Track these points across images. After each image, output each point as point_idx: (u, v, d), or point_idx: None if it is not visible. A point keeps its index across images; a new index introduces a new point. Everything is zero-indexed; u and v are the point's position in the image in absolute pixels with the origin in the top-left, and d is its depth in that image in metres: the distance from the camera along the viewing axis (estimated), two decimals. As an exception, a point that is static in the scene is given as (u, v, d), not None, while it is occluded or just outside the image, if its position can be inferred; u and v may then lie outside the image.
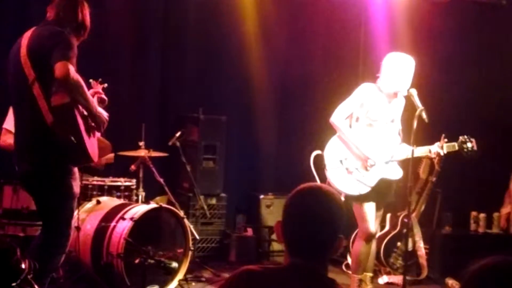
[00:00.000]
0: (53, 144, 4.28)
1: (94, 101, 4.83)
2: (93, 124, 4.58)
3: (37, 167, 4.37)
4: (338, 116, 5.66)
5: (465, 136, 5.77)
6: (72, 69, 4.15)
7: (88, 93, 4.44)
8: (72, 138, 4.27)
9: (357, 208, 5.66)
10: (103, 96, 5.01)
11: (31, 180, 4.50)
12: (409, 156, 5.51)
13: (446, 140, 5.70)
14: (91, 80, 5.09)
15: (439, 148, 5.68)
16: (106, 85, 5.12)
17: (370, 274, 5.85)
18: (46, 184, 4.42)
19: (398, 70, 5.60)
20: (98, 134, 4.78)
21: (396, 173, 5.71)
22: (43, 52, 4.24)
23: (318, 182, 5.58)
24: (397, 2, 8.44)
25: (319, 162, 5.76)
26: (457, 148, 5.73)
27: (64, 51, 4.19)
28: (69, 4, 4.54)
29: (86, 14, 4.61)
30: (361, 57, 8.91)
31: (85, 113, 4.47)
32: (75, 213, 6.09)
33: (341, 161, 5.64)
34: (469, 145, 5.74)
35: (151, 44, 8.23)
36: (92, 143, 4.55)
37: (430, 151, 5.69)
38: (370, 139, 5.65)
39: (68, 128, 4.28)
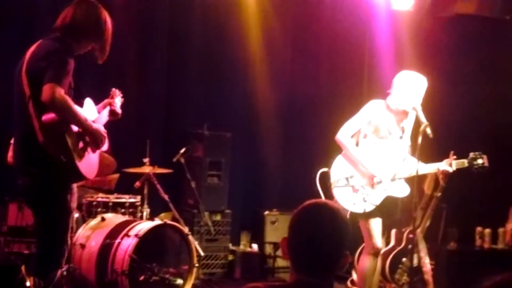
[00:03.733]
0: (46, 161, 4.28)
1: (101, 115, 4.82)
2: (91, 141, 4.57)
3: (34, 182, 4.38)
4: (344, 133, 5.64)
5: (476, 153, 5.74)
6: (58, 91, 4.14)
7: (79, 112, 4.41)
8: (62, 157, 4.27)
9: (364, 224, 5.65)
10: (117, 109, 5.00)
11: (29, 193, 4.51)
12: (415, 173, 5.49)
13: (455, 157, 5.68)
14: (112, 89, 5.09)
15: (448, 165, 5.66)
16: (122, 98, 5.11)
17: None
18: (43, 198, 4.43)
19: (410, 89, 5.57)
20: (104, 149, 4.77)
21: (402, 191, 5.69)
22: (37, 72, 4.25)
23: (324, 199, 5.57)
24: (401, 18, 8.46)
25: (325, 180, 5.75)
26: (466, 165, 5.70)
27: (55, 73, 4.19)
28: (74, 12, 4.54)
29: (89, 16, 4.57)
30: (366, 73, 8.92)
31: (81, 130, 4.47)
32: (80, 230, 6.12)
33: (347, 179, 5.62)
34: (479, 161, 5.71)
35: (156, 61, 8.25)
36: (88, 161, 4.53)
37: (438, 169, 5.67)
38: (377, 156, 5.64)
39: (57, 148, 4.28)
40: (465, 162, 5.70)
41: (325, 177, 5.76)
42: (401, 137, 5.73)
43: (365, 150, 5.65)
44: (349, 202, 5.59)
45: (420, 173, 5.51)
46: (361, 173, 5.65)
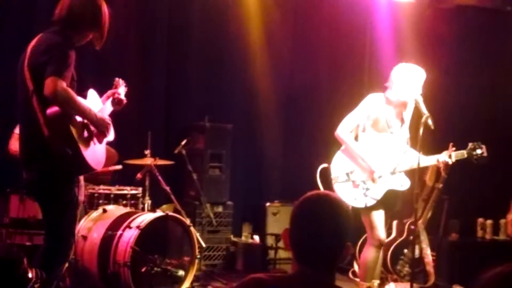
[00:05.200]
0: (52, 155, 4.28)
1: (105, 106, 4.81)
2: (96, 130, 4.56)
3: (41, 175, 4.38)
4: (343, 129, 5.63)
5: (475, 143, 5.73)
6: (61, 85, 4.13)
7: (83, 103, 4.41)
8: (68, 150, 4.26)
9: (366, 216, 5.65)
10: (121, 97, 4.99)
11: (36, 188, 4.51)
12: (415, 166, 5.50)
13: (454, 148, 5.68)
14: (116, 79, 5.08)
15: (447, 157, 5.65)
16: (126, 88, 5.10)
17: (377, 281, 5.84)
18: (50, 191, 4.42)
19: (409, 81, 5.56)
20: (110, 139, 4.76)
21: (403, 184, 5.69)
22: (39, 67, 4.24)
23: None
24: (402, 9, 8.45)
25: (326, 175, 5.75)
26: (466, 156, 5.68)
27: (56, 66, 4.18)
28: (70, 2, 4.53)
29: (85, 6, 4.53)
30: (367, 65, 8.91)
31: (86, 121, 4.47)
32: (82, 221, 6.13)
33: (347, 174, 5.63)
34: (478, 151, 5.69)
35: (156, 53, 8.25)
36: (95, 152, 4.52)
37: (437, 161, 5.66)
38: (377, 150, 5.63)
39: (63, 141, 4.27)
40: (464, 153, 5.69)
41: (326, 173, 5.77)
42: (400, 130, 5.72)
43: (364, 144, 5.65)
44: (350, 197, 5.59)
45: (420, 165, 5.51)
46: (361, 168, 5.64)
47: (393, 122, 5.68)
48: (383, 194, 5.62)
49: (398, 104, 5.65)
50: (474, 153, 5.70)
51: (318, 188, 5.81)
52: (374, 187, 5.61)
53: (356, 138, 5.71)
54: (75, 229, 4.59)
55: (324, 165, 5.80)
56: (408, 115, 5.77)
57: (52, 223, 4.52)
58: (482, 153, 5.71)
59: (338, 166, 5.69)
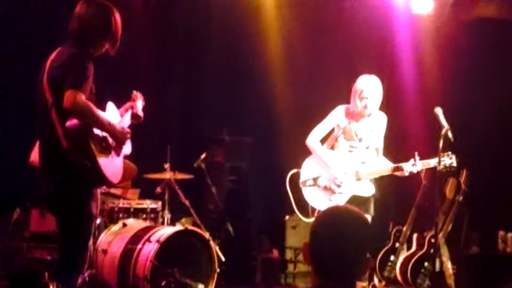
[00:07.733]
0: (71, 167, 4.29)
1: (124, 118, 4.83)
2: (114, 144, 4.57)
3: (59, 187, 4.40)
4: (312, 138, 5.93)
5: (446, 152, 5.75)
6: (80, 97, 4.14)
7: (102, 115, 4.43)
8: (86, 162, 4.27)
9: None
10: (139, 112, 5.01)
11: (53, 199, 4.53)
12: (384, 173, 5.77)
13: (419, 157, 5.71)
14: (134, 92, 5.10)
15: (412, 166, 5.68)
16: (143, 101, 5.12)
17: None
18: (66, 204, 4.43)
19: (361, 92, 5.80)
20: (127, 152, 4.78)
21: (367, 190, 5.82)
22: (57, 79, 4.26)
23: (292, 200, 5.96)
24: (422, 22, 8.43)
25: (296, 180, 5.94)
26: (432, 165, 5.73)
27: (75, 78, 4.19)
28: (80, 15, 4.54)
29: (94, 16, 4.52)
30: (386, 79, 8.84)
31: (104, 134, 4.48)
32: (102, 235, 6.14)
33: (314, 179, 5.85)
34: (447, 162, 5.73)
35: (175, 66, 8.28)
36: (113, 164, 4.53)
37: (400, 167, 5.74)
38: (347, 158, 5.81)
39: (82, 153, 4.28)
40: (430, 163, 5.73)
41: (296, 178, 5.96)
42: (368, 139, 5.83)
43: (337, 152, 5.86)
44: (316, 201, 5.81)
45: (386, 173, 5.78)
46: (327, 174, 5.82)
47: (360, 131, 5.84)
48: (347, 200, 5.78)
49: (362, 114, 5.81)
50: (443, 163, 5.72)
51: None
52: (339, 192, 5.79)
53: (332, 148, 5.96)
54: (88, 242, 4.59)
55: (295, 170, 5.97)
56: (377, 125, 5.83)
57: (67, 236, 4.53)
58: (451, 163, 5.74)
59: (307, 171, 5.94)
